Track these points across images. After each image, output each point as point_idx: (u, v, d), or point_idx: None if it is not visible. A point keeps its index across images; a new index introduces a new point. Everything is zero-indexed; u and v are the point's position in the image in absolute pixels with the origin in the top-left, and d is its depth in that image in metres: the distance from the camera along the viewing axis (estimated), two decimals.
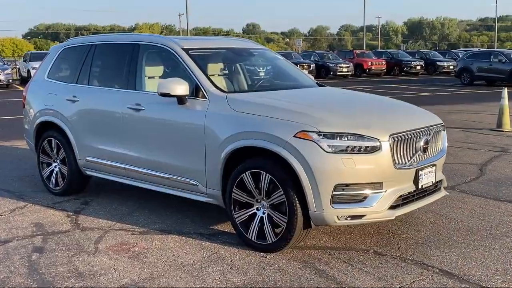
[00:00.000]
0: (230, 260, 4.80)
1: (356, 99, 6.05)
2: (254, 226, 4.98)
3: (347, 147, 4.58)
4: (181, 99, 5.46)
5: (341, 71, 35.94)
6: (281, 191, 4.73)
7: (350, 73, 36.58)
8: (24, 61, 31.69)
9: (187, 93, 5.41)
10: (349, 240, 5.27)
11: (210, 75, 5.74)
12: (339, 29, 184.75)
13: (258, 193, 4.95)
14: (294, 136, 4.64)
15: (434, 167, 5.15)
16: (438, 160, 5.25)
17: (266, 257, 4.86)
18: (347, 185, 4.57)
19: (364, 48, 64.40)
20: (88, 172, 6.77)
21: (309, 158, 4.55)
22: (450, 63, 40.46)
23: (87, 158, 6.60)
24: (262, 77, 6.63)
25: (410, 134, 4.87)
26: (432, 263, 4.71)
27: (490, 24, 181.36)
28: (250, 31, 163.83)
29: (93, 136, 6.47)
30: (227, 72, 6.39)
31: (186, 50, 5.85)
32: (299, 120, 4.71)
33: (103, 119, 6.34)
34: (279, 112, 4.87)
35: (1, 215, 6.26)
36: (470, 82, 29.62)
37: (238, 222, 5.10)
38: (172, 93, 5.35)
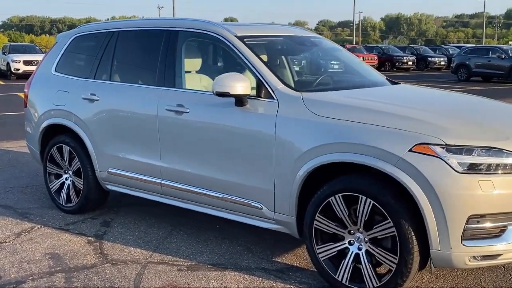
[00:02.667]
0: None
1: (466, 102, 4.89)
2: (346, 265, 3.87)
3: (483, 165, 3.47)
4: (241, 100, 4.32)
5: (333, 68, 34.84)
6: (389, 222, 3.62)
7: (342, 69, 35.54)
8: (3, 53, 29.98)
9: (250, 92, 4.27)
10: (458, 279, 4.19)
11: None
12: (317, 24, 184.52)
13: (352, 222, 3.83)
14: (411, 150, 3.52)
15: None
16: None
17: None
18: (482, 215, 3.47)
19: (354, 43, 63.54)
20: (109, 187, 5.57)
21: (433, 179, 3.44)
22: (442, 59, 39.75)
23: (110, 170, 5.40)
24: (329, 71, 5.48)
25: None
26: None
27: (466, 21, 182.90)
28: None
29: (118, 144, 5.27)
30: (291, 65, 5.22)
31: (241, 38, 4.70)
32: (415, 128, 3.60)
33: (132, 123, 5.15)
34: (384, 118, 3.75)
35: (5, 242, 5.05)
36: (467, 78, 28.85)
37: (322, 259, 3.98)
38: (231, 92, 4.21)
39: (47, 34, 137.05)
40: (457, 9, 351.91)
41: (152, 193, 5.17)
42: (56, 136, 5.90)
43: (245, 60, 4.53)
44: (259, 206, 4.33)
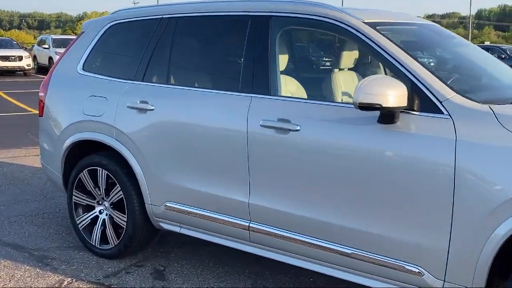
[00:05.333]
0: None
1: None
2: None
3: None
4: (392, 116, 2.94)
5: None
6: None
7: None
8: None
9: (406, 103, 2.90)
10: None
11: None
12: None
13: None
14: None
15: None
16: None
17: None
18: None
19: None
20: (164, 226, 4.15)
21: None
22: (431, 60, 38.82)
23: (168, 204, 3.98)
24: (479, 73, 4.10)
25: None
26: None
27: (438, 21, 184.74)
28: None
29: (182, 169, 3.87)
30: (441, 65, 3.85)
31: (372, 26, 3.32)
32: None
33: (204, 142, 3.75)
34: None
35: None
36: None
37: None
38: (384, 105, 2.82)
39: (16, 29, 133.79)
40: (429, 9, 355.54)
41: (233, 238, 3.76)
42: (88, 156, 4.44)
43: (388, 57, 3.18)
44: (418, 271, 2.97)
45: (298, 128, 3.32)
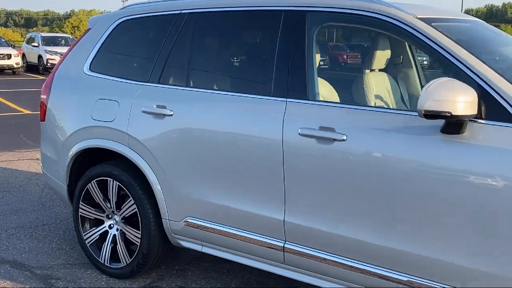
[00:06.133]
0: None
1: None
2: None
3: None
4: (460, 125, 2.56)
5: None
6: None
7: (327, 67, 34.15)
8: None
9: (476, 111, 2.52)
10: None
11: None
12: None
13: None
14: None
15: None
16: None
17: None
18: None
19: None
20: (184, 243, 3.74)
21: None
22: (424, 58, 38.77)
23: (189, 220, 3.57)
24: None
25: None
26: None
27: None
28: None
29: (206, 182, 3.46)
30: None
31: (428, 22, 2.94)
32: None
33: (232, 152, 3.37)
34: None
35: None
36: None
37: None
38: (454, 113, 2.44)
39: (2, 27, 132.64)
40: None
41: (265, 260, 3.36)
42: (97, 165, 4.02)
43: (450, 57, 2.80)
44: None
45: (344, 137, 2.92)
